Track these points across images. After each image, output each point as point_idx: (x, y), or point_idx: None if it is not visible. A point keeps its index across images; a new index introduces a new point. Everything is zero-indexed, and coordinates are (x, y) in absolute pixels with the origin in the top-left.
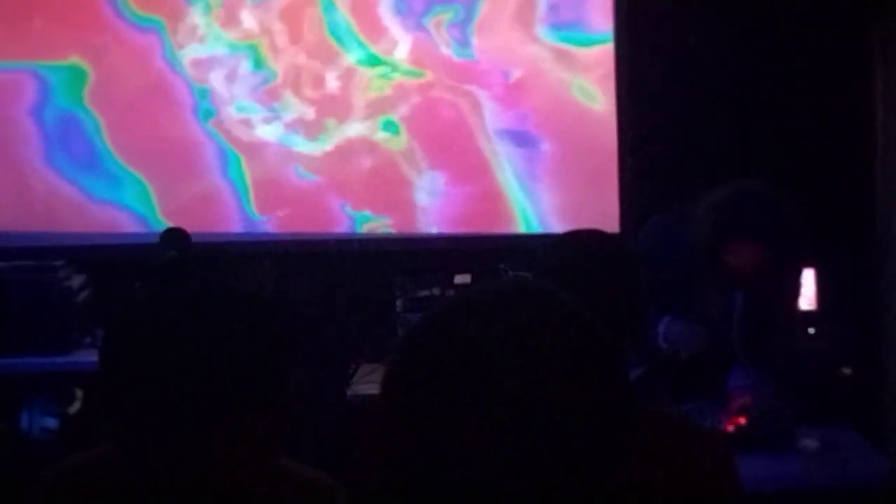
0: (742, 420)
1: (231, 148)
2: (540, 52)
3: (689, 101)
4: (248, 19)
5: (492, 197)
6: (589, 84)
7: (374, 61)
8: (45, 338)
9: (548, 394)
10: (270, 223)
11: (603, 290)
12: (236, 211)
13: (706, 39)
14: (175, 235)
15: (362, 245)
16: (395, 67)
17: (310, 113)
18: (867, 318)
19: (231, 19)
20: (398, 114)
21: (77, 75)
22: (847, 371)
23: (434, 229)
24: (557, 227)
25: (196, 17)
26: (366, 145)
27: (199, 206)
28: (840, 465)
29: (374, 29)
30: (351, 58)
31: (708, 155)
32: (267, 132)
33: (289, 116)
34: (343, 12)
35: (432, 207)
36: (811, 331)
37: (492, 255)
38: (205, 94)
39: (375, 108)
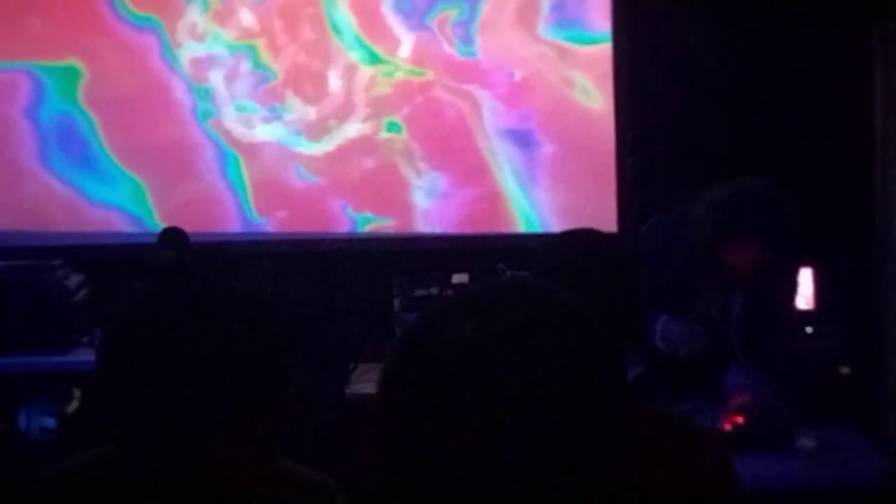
0: (741, 420)
1: (230, 148)
2: (541, 51)
3: (689, 101)
4: (248, 17)
5: (492, 197)
6: (588, 84)
7: (375, 60)
8: (43, 337)
9: (547, 393)
10: (270, 225)
11: (602, 289)
12: (235, 213)
13: (706, 39)
14: (173, 235)
15: (360, 245)
16: (397, 66)
17: (310, 113)
18: (866, 318)
19: (230, 17)
20: (400, 114)
21: (73, 75)
22: (846, 371)
23: (436, 231)
24: (557, 227)
25: (194, 15)
26: (367, 145)
27: (197, 209)
28: (839, 465)
29: (376, 27)
30: (352, 57)
31: (708, 155)
32: (267, 132)
33: (289, 116)
34: (344, 10)
35: (433, 209)
36: (810, 330)
37: (490, 255)
38: (203, 93)
39: (377, 108)
